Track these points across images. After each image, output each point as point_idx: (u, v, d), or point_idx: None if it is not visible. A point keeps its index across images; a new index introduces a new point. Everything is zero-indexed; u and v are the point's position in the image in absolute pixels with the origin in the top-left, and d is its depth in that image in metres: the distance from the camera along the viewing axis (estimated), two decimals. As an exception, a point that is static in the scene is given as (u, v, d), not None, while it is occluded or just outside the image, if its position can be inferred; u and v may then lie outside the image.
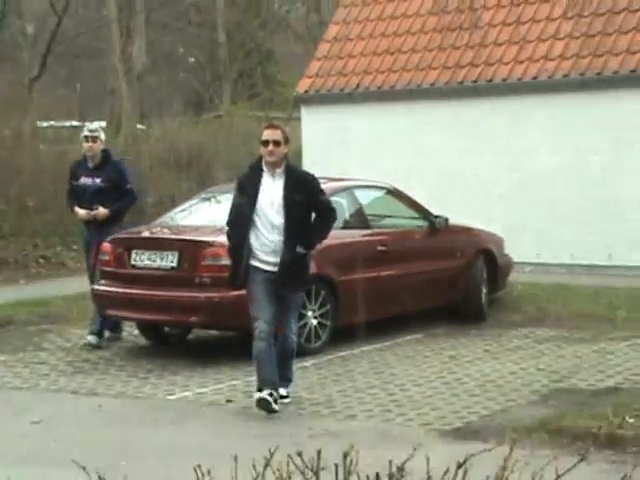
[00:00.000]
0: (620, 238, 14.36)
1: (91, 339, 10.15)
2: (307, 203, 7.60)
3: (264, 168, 7.58)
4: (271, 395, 7.43)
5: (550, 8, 15.56)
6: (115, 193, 10.19)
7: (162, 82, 33.46)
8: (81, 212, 10.26)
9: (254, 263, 7.50)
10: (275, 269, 7.46)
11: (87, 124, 10.54)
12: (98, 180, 10.22)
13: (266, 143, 7.59)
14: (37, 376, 9.00)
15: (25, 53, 24.11)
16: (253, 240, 7.51)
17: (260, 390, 7.47)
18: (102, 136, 10.40)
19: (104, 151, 10.40)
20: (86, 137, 10.31)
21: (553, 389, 8.15)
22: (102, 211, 10.14)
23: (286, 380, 7.86)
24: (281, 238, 7.48)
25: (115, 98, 26.35)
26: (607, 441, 6.25)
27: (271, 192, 7.51)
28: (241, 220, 7.57)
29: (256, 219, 7.49)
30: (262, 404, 7.42)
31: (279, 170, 7.57)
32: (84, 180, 10.27)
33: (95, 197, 10.18)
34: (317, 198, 7.67)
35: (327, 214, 7.74)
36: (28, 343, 10.44)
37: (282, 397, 7.68)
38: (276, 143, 7.57)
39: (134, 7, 27.84)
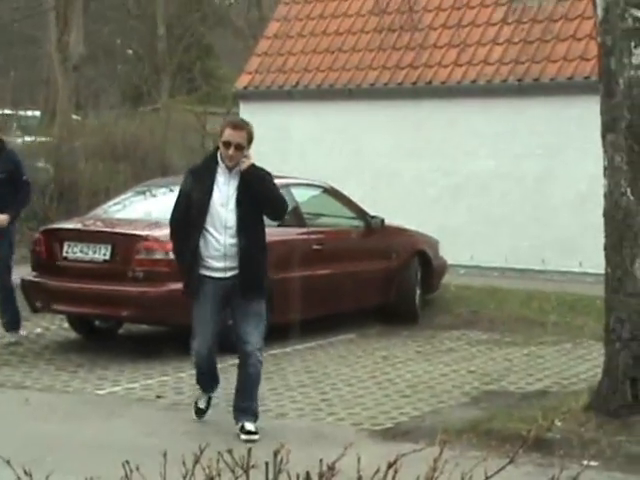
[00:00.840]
0: (553, 243, 14.54)
1: (10, 336, 9.85)
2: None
3: (219, 162, 6.87)
4: (208, 400, 7.31)
5: (490, 13, 15.70)
6: (10, 186, 9.51)
7: (99, 73, 33.11)
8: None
9: (202, 272, 6.78)
10: (227, 275, 6.76)
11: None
12: None
13: (227, 145, 6.80)
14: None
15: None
16: (201, 244, 6.77)
17: (196, 401, 7.33)
18: None
19: None
20: None
21: (484, 391, 8.23)
22: (3, 217, 9.49)
23: (251, 414, 6.89)
24: (233, 241, 6.76)
25: (50, 87, 26.02)
26: (535, 444, 6.32)
27: (225, 189, 6.80)
28: (190, 219, 6.82)
29: (207, 219, 6.75)
30: (197, 411, 7.34)
31: (236, 167, 6.84)
32: None
33: None
34: (273, 195, 7.00)
35: (280, 214, 7.27)
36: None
37: (249, 432, 6.76)
38: (239, 147, 6.80)
39: (72, -4, 27.47)
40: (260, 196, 6.77)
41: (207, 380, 7.24)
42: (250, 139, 6.88)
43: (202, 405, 7.29)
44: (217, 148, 6.94)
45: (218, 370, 7.31)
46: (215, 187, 6.78)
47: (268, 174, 6.94)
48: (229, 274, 6.78)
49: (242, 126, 6.98)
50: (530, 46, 15.04)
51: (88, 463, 6.20)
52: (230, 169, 6.80)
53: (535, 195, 14.75)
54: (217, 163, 6.86)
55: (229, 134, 6.80)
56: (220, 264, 6.76)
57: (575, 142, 14.42)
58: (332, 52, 16.61)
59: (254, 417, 6.88)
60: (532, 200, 14.76)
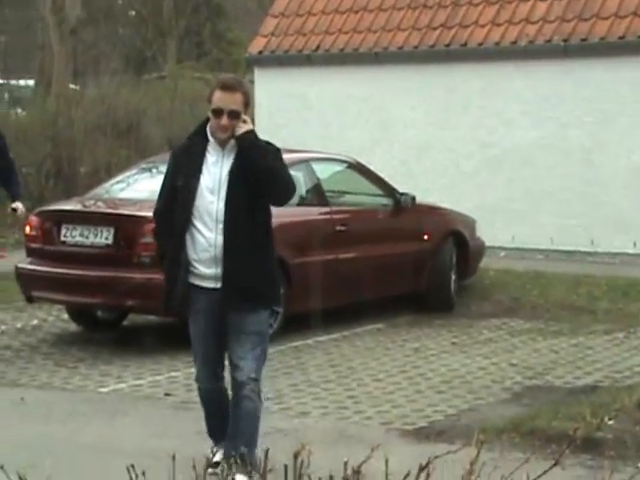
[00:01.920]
0: (604, 222, 14.49)
1: None
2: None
3: (210, 138, 5.82)
4: (231, 454, 5.31)
5: (532, -34, 15.61)
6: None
7: (99, 37, 33.18)
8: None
9: (191, 280, 5.79)
10: (218, 285, 5.74)
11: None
12: None
13: (219, 113, 5.74)
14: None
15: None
16: (188, 244, 5.77)
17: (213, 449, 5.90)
18: None
19: None
20: None
21: (526, 386, 8.24)
22: (22, 207, 9.62)
23: (245, 465, 4.38)
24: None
25: (45, 54, 26.09)
26: (584, 444, 6.31)
27: (217, 172, 5.76)
28: (176, 212, 5.84)
29: (194, 211, 5.74)
30: (210, 465, 5.15)
31: (232, 142, 5.79)
32: None
33: None
34: (276, 172, 5.87)
35: (284, 197, 5.98)
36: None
37: None
38: (233, 115, 5.74)
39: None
40: (259, 172, 5.68)
41: (217, 423, 6.10)
42: (247, 102, 5.84)
43: (218, 458, 5.74)
44: (206, 120, 5.87)
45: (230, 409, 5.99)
46: (204, 169, 5.77)
47: (274, 147, 5.91)
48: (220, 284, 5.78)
49: (235, 86, 5.83)
50: (577, 2, 14.95)
51: (90, 468, 6.25)
52: (223, 145, 5.77)
53: (583, 168, 14.69)
54: (207, 139, 5.81)
55: (219, 98, 5.75)
56: (210, 270, 5.73)
57: (628, 109, 14.35)
58: (356, 12, 16.58)
59: (248, 471, 4.12)
60: (580, 174, 14.71)
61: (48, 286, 9.69)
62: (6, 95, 19.81)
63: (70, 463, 6.23)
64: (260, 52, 17.13)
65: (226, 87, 5.79)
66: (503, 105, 15.20)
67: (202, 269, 5.75)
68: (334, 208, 10.75)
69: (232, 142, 5.76)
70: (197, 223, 5.73)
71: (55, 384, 8.37)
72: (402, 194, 11.34)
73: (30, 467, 2.92)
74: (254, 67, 17.59)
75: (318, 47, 16.64)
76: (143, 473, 2.48)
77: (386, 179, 11.57)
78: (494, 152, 15.29)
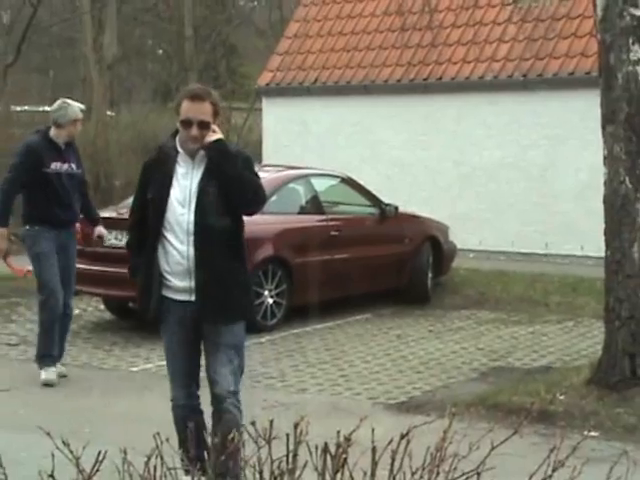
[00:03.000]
0: (556, 228, 14.49)
1: (49, 375, 7.60)
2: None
3: (179, 149, 4.89)
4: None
5: (497, 12, 15.63)
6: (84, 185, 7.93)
7: (131, 72, 33.14)
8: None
9: (164, 293, 4.89)
10: (193, 298, 4.82)
11: (72, 103, 7.70)
12: (74, 166, 7.66)
13: (188, 124, 4.80)
14: (7, 346, 8.90)
15: (0, 41, 23.77)
16: (160, 256, 4.86)
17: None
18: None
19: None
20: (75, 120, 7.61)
21: (491, 367, 8.22)
22: (104, 231, 8.22)
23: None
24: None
25: (86, 86, 26.05)
26: (539, 416, 6.32)
27: (186, 184, 4.84)
28: (149, 225, 4.91)
29: (165, 224, 4.82)
30: None
31: (201, 153, 4.86)
32: (56, 166, 7.52)
33: (75, 190, 7.67)
34: (242, 178, 4.88)
35: (252, 203, 4.94)
36: (-2, 315, 10.33)
37: None
38: (203, 125, 4.80)
39: (106, 0, 27.53)
40: (228, 180, 4.79)
41: (192, 447, 4.07)
42: (216, 112, 4.87)
43: None
44: (176, 132, 4.94)
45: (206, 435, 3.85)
46: (174, 181, 4.85)
47: (244, 155, 5.00)
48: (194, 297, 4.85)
49: (204, 96, 4.85)
50: (534, 44, 14.95)
51: (122, 435, 6.22)
52: (193, 156, 4.84)
53: (539, 183, 14.69)
54: (177, 151, 4.89)
55: (188, 109, 4.80)
56: (184, 283, 4.82)
57: (576, 133, 14.35)
58: (348, 51, 16.57)
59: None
60: (536, 188, 14.70)
61: (87, 281, 9.66)
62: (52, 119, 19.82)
63: (105, 430, 6.21)
64: (267, 84, 17.11)
65: (195, 97, 4.83)
66: (472, 129, 15.19)
67: (175, 282, 4.83)
68: (329, 216, 10.72)
69: (202, 153, 4.84)
70: (169, 235, 4.82)
71: (93, 364, 8.35)
72: (387, 204, 11.32)
73: (72, 433, 2.91)
74: (262, 97, 17.57)
75: (316, 80, 16.62)
76: (167, 439, 2.47)
77: (373, 192, 11.55)
78: (465, 169, 15.28)
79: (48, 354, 7.58)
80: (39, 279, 7.60)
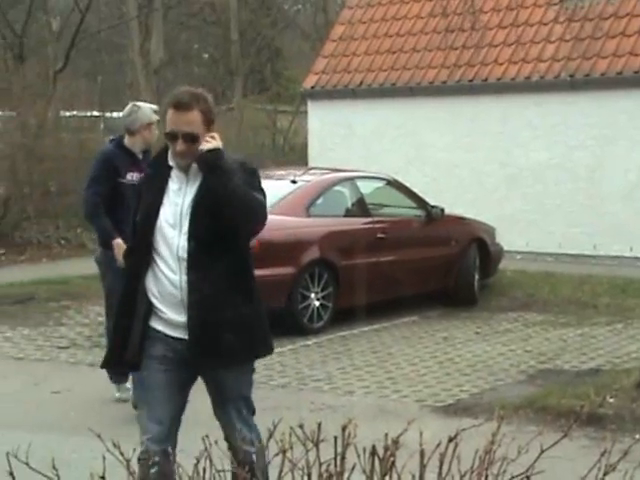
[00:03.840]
0: (605, 230, 14.34)
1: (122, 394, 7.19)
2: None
3: (172, 163, 4.19)
4: None
5: (543, 12, 15.51)
6: None
7: (178, 76, 33.38)
8: None
9: (153, 324, 4.11)
10: (187, 336, 4.05)
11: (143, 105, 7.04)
12: None
13: (172, 137, 4.10)
14: (57, 349, 9.01)
15: (50, 47, 24.06)
16: (150, 284, 4.12)
17: None
18: None
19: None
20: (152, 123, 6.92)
21: (539, 370, 8.15)
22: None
23: None
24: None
25: (133, 90, 26.28)
26: (588, 419, 6.26)
27: (179, 202, 4.13)
28: (135, 249, 4.25)
29: (154, 248, 4.11)
30: None
31: (195, 166, 4.15)
32: (131, 176, 6.84)
33: None
34: (236, 195, 4.08)
35: (247, 223, 4.18)
36: (49, 318, 10.45)
37: None
38: (190, 138, 4.07)
39: (152, 5, 27.77)
40: (219, 197, 4.03)
41: None
42: (208, 120, 4.14)
43: None
44: (167, 146, 4.23)
45: None
46: (165, 200, 4.15)
47: (248, 168, 4.24)
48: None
49: (190, 103, 4.10)
50: (581, 43, 14.82)
51: (171, 436, 6.26)
52: (186, 171, 4.14)
53: (587, 184, 14.55)
54: (170, 167, 4.19)
55: (172, 119, 4.09)
56: (181, 317, 4.05)
57: (625, 133, 14.20)
58: (394, 52, 16.54)
59: None
60: (584, 189, 14.57)
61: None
62: (101, 125, 19.98)
63: (154, 433, 6.24)
64: (312, 87, 17.14)
65: (179, 105, 4.09)
66: (518, 131, 15.09)
67: (170, 315, 4.06)
68: (375, 218, 10.71)
69: (196, 166, 4.13)
70: (160, 262, 4.08)
71: (142, 366, 8.40)
72: (433, 207, 11.28)
73: (122, 436, 2.93)
74: (307, 99, 17.60)
75: (361, 83, 16.62)
76: (216, 442, 2.48)
77: (419, 194, 11.52)
78: (511, 171, 15.18)
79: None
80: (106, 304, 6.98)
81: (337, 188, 10.67)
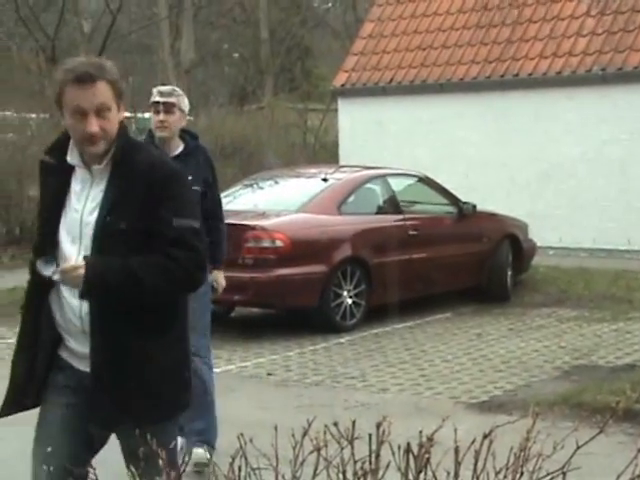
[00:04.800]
0: (638, 224, 14.22)
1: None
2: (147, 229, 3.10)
3: (71, 159, 3.19)
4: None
5: (574, 6, 15.40)
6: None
7: (208, 76, 33.50)
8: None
9: (61, 353, 3.26)
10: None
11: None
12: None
13: (80, 115, 3.07)
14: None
15: (82, 49, 24.24)
16: (55, 306, 3.24)
17: None
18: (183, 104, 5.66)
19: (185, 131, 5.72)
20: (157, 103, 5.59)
21: (574, 366, 8.11)
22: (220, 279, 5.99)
23: None
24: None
25: (165, 91, 26.38)
26: (624, 415, 6.21)
27: (80, 209, 3.19)
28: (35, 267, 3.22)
29: (58, 262, 3.18)
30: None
31: (105, 161, 3.14)
32: None
33: None
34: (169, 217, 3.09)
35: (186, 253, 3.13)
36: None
37: None
38: (101, 112, 3.06)
39: (183, 6, 27.89)
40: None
41: None
42: (118, 92, 3.14)
43: None
44: (64, 135, 3.23)
45: None
46: (67, 204, 3.20)
47: (175, 175, 3.18)
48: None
49: (94, 76, 3.06)
50: (613, 37, 14.70)
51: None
52: (91, 165, 3.17)
53: (620, 178, 14.44)
54: (69, 164, 3.22)
55: (74, 96, 3.07)
56: (85, 349, 3.18)
57: (658, 127, 14.07)
58: (423, 49, 16.50)
59: None
60: (617, 183, 14.46)
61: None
62: (133, 125, 20.12)
63: (189, 431, 6.27)
64: (343, 85, 17.13)
65: (80, 79, 3.05)
66: (550, 126, 15.00)
67: (74, 345, 3.22)
68: (407, 215, 10.69)
69: (107, 158, 3.13)
70: (61, 285, 3.18)
71: (176, 365, 8.44)
72: (465, 203, 11.24)
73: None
74: (338, 98, 17.60)
75: (392, 80, 16.59)
76: (250, 440, 2.49)
77: (451, 190, 11.49)
78: (543, 166, 15.10)
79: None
80: None
81: (368, 185, 10.67)
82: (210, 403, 5.67)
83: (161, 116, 5.55)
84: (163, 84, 6.27)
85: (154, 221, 3.10)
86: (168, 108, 5.57)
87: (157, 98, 5.62)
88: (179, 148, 5.60)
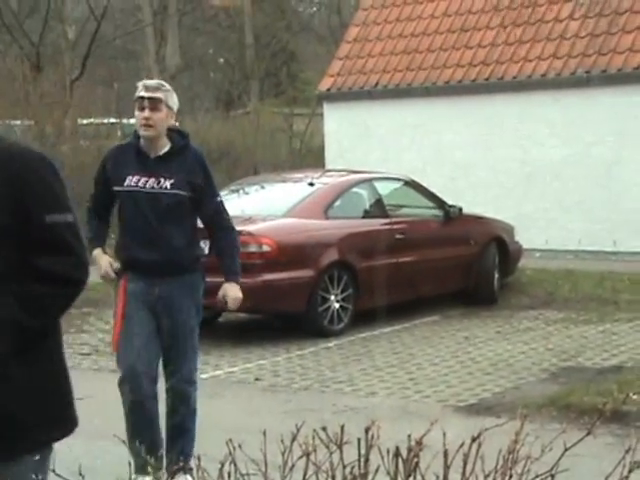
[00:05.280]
0: (624, 226, 14.27)
1: None
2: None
3: None
4: None
5: (558, 9, 15.46)
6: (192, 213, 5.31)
7: (194, 81, 33.48)
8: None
9: None
10: None
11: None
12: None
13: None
14: (79, 356, 9.05)
15: (66, 55, 24.18)
16: None
17: None
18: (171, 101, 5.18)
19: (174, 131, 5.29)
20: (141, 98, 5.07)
21: (561, 367, 8.13)
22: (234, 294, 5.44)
23: None
24: None
25: (150, 97, 26.37)
26: (612, 416, 6.23)
27: None
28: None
29: None
30: None
31: None
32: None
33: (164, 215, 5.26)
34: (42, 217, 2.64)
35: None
36: (70, 325, 10.49)
37: None
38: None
39: (167, 11, 27.87)
40: None
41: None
42: None
43: None
44: None
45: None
46: None
47: (44, 167, 2.73)
48: None
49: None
50: (596, 39, 14.76)
51: (196, 441, 6.28)
52: None
53: (606, 180, 14.49)
54: None
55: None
56: None
57: (643, 129, 14.12)
58: (409, 53, 16.53)
59: None
60: (603, 185, 14.51)
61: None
62: (119, 132, 20.09)
63: (178, 437, 6.25)
64: (328, 89, 17.15)
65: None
66: (536, 128, 15.05)
67: None
68: (393, 219, 10.70)
69: None
70: None
71: (164, 371, 8.43)
72: (451, 206, 11.27)
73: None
74: (323, 102, 17.61)
75: (377, 84, 16.61)
76: (239, 446, 2.49)
77: (437, 193, 11.51)
78: (529, 168, 15.14)
79: (138, 456, 4.22)
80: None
81: (355, 190, 10.68)
82: (194, 428, 5.40)
83: (146, 113, 5.01)
84: (149, 78, 5.77)
85: (21, 220, 2.59)
86: (154, 104, 5.03)
87: (142, 93, 5.06)
88: (164, 148, 5.14)
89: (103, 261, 5.25)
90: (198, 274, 5.30)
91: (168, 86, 5.15)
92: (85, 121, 20.13)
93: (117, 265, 5.26)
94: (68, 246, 2.68)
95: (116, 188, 5.16)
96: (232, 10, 30.97)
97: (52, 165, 2.73)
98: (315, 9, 37.24)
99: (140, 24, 28.40)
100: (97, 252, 5.29)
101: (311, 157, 21.31)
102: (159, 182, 5.08)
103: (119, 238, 5.31)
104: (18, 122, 17.86)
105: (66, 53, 24.43)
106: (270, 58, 32.15)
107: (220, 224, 5.30)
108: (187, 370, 5.28)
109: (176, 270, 5.14)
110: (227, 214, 5.39)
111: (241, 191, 11.01)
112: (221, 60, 36.18)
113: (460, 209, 11.25)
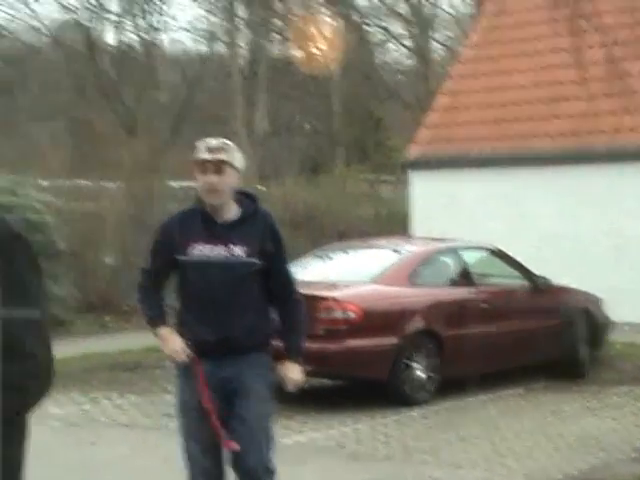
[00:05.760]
0: None
1: None
2: None
3: None
4: None
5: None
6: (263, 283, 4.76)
7: (280, 147, 33.96)
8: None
9: None
10: None
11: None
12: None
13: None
14: (165, 417, 9.11)
15: (159, 120, 24.83)
16: None
17: None
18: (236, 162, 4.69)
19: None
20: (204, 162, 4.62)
21: (652, 446, 7.91)
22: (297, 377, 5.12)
23: None
24: None
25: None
26: None
27: None
28: None
29: None
30: None
31: None
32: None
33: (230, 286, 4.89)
34: None
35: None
36: (154, 385, 10.60)
37: None
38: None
39: (256, 78, 28.45)
40: None
41: None
42: None
43: None
44: None
45: None
46: None
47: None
48: None
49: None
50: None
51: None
52: None
53: (698, 254, 14.19)
54: None
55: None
56: None
57: None
58: (497, 122, 16.54)
59: None
60: (695, 259, 14.20)
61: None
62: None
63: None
64: (415, 157, 17.22)
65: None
66: (625, 199, 14.85)
67: None
68: (479, 288, 10.63)
69: None
70: None
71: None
72: (538, 276, 11.15)
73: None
74: (409, 169, 17.67)
75: (464, 152, 16.63)
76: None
77: (523, 263, 11.40)
78: (618, 241, 14.91)
79: None
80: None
81: (440, 258, 10.66)
82: None
83: (210, 177, 4.54)
84: (236, 143, 4.98)
85: None
86: (219, 167, 4.53)
87: (205, 155, 4.55)
88: (234, 213, 4.65)
89: (177, 344, 4.64)
90: (268, 353, 4.88)
91: (231, 144, 4.63)
92: (176, 184, 20.53)
93: (190, 352, 4.64)
94: (25, 352, 2.21)
95: (181, 258, 4.62)
96: (320, 77, 31.46)
97: (25, 242, 2.32)
98: (401, 76, 37.59)
99: (230, 90, 29.03)
100: (165, 331, 4.71)
101: (395, 224, 21.34)
102: (231, 250, 4.58)
103: (181, 315, 4.75)
104: (112, 184, 18.32)
105: (159, 118, 25.10)
106: (357, 125, 32.48)
107: (290, 295, 4.81)
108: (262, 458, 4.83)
109: (247, 349, 4.70)
110: (296, 284, 4.89)
111: (325, 256, 11.06)
112: (307, 126, 36.67)
113: (547, 280, 11.12)
